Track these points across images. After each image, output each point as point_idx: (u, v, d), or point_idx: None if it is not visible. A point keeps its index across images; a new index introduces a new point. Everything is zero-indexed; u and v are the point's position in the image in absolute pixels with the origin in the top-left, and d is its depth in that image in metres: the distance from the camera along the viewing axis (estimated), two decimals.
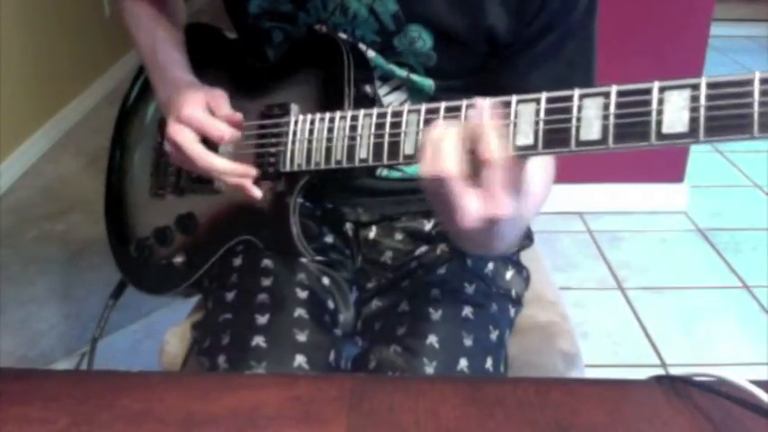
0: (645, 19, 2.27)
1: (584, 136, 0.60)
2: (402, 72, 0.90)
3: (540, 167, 0.83)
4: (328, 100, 0.84)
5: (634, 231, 2.45)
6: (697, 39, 2.30)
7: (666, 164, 2.50)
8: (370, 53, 0.90)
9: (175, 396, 0.65)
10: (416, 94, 0.91)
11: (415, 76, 0.90)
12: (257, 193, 0.85)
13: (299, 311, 0.88)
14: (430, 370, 0.83)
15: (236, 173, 0.85)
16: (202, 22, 1.05)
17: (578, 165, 2.34)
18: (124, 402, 0.64)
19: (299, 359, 0.84)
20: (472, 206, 0.62)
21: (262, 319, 0.87)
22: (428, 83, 0.90)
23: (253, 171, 0.85)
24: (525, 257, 1.06)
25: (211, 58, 1.00)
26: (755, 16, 4.46)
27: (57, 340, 1.93)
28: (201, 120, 0.84)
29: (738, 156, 2.96)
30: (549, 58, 0.86)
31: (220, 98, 0.87)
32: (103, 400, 0.64)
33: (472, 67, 0.89)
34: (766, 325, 1.98)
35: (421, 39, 0.87)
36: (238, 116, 0.85)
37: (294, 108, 0.85)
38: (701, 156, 2.83)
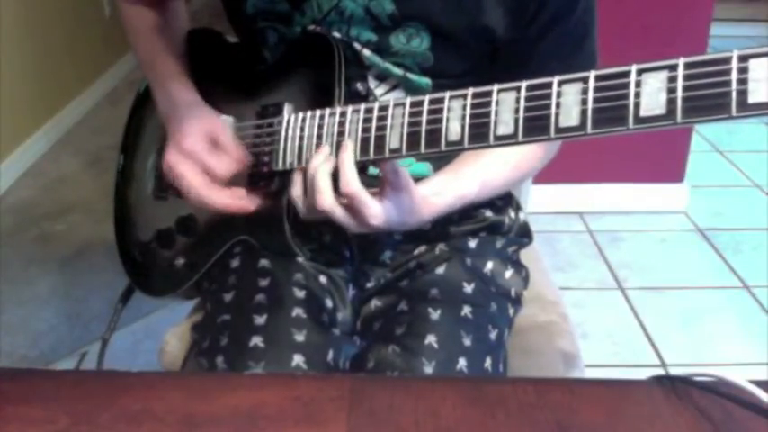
0: (645, 19, 2.27)
1: (563, 123, 0.60)
2: (398, 71, 0.90)
3: (506, 153, 0.91)
4: (321, 98, 0.84)
5: (634, 231, 2.45)
6: (697, 39, 2.30)
7: (666, 164, 2.50)
8: (366, 52, 0.90)
9: (175, 396, 0.65)
10: (414, 93, 0.91)
11: (411, 75, 0.90)
12: (251, 206, 0.85)
13: (297, 311, 0.88)
14: (429, 370, 0.83)
15: (233, 208, 0.85)
16: (204, 28, 1.05)
17: (578, 165, 2.35)
18: (124, 402, 0.64)
19: (297, 359, 0.84)
20: (348, 222, 0.76)
21: (259, 320, 0.87)
22: (425, 81, 0.90)
23: (251, 207, 0.85)
24: (525, 257, 1.06)
25: (212, 63, 1.00)
26: (755, 16, 4.46)
27: (57, 340, 1.93)
28: (202, 155, 0.84)
29: (738, 156, 2.96)
30: (549, 58, 0.87)
31: (221, 130, 0.87)
32: (103, 400, 0.64)
33: (470, 67, 0.90)
34: (766, 325, 1.98)
35: (418, 37, 0.87)
36: (246, 158, 0.85)
37: (287, 107, 0.86)
38: (700, 156, 2.84)
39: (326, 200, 0.75)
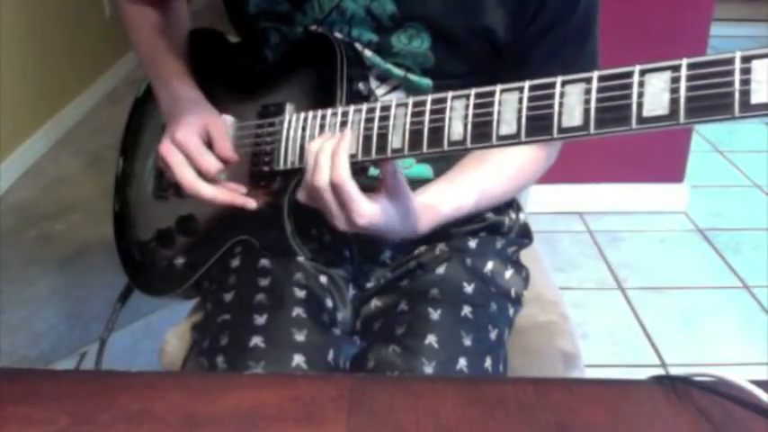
0: (645, 19, 2.27)
1: (566, 123, 0.60)
2: (399, 72, 0.90)
3: (505, 163, 0.91)
4: (322, 98, 0.84)
5: (634, 231, 2.45)
6: (697, 39, 2.30)
7: (666, 164, 2.50)
8: (367, 53, 0.90)
9: (175, 396, 0.65)
10: (415, 93, 0.91)
11: (412, 76, 0.90)
12: (251, 204, 0.87)
13: (297, 311, 0.88)
14: (429, 370, 0.83)
15: (219, 200, 0.88)
16: (206, 27, 1.05)
17: (578, 165, 2.34)
18: (124, 402, 0.64)
19: (298, 359, 0.84)
20: (337, 214, 0.76)
21: (260, 320, 0.87)
22: (426, 82, 0.90)
23: (241, 192, 0.88)
24: (525, 257, 1.06)
25: (214, 63, 1.01)
26: (755, 16, 4.46)
27: (57, 340, 1.93)
28: (192, 148, 0.87)
29: (738, 156, 2.96)
30: (549, 58, 0.87)
31: (216, 126, 0.88)
32: (103, 400, 0.64)
33: (471, 68, 0.90)
34: (766, 325, 1.98)
35: (419, 37, 0.87)
36: (231, 155, 0.88)
37: (289, 107, 0.86)
38: (701, 156, 2.84)
39: (323, 178, 0.75)
